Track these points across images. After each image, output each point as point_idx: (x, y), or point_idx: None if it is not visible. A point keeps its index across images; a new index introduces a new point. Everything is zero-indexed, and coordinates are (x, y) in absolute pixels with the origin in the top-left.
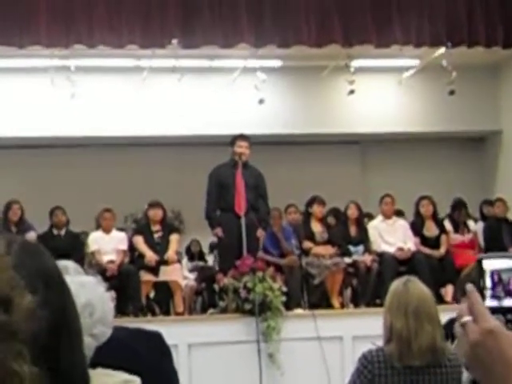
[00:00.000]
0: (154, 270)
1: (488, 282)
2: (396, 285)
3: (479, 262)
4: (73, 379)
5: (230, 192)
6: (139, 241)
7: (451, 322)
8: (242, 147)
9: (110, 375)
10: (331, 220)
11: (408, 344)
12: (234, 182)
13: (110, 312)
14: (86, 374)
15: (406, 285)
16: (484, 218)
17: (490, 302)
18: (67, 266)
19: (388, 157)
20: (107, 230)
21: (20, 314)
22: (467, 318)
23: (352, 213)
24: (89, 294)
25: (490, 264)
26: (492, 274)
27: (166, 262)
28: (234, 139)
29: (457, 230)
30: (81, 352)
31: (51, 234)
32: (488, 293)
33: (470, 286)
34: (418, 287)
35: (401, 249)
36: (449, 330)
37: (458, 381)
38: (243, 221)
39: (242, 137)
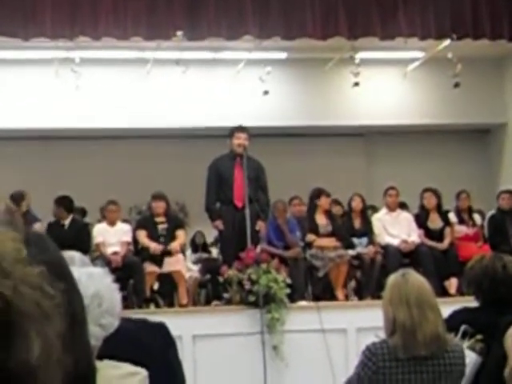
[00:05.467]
0: (158, 262)
1: None
2: (394, 277)
3: None
4: (79, 370)
5: (229, 184)
6: (141, 235)
7: (454, 314)
8: (240, 139)
9: (116, 367)
10: (336, 210)
11: (413, 334)
12: (233, 174)
13: (117, 303)
14: (93, 366)
15: (404, 277)
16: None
17: None
18: (73, 257)
19: (392, 149)
20: (112, 222)
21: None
22: None
23: (356, 205)
24: (97, 284)
25: None
26: None
27: (169, 253)
28: (233, 131)
29: (462, 222)
30: (87, 343)
31: (57, 224)
32: None
33: None
34: (417, 278)
35: (405, 241)
36: (452, 322)
37: (462, 372)
38: (247, 212)
39: (241, 128)
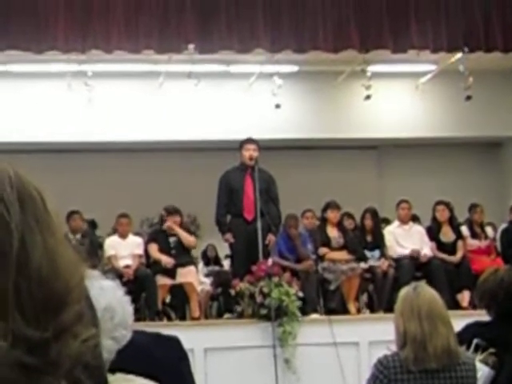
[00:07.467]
0: (171, 274)
1: None
2: (406, 290)
3: None
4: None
5: (238, 197)
6: (153, 248)
7: (467, 327)
8: (249, 150)
9: (129, 380)
10: (348, 223)
11: (423, 347)
12: (242, 187)
13: (129, 315)
14: (105, 379)
15: (416, 290)
16: None
17: None
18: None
19: (404, 162)
20: (124, 236)
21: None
22: None
23: (368, 223)
24: (109, 297)
25: None
26: None
27: (182, 265)
28: (242, 143)
29: (474, 235)
30: (100, 356)
31: (67, 239)
32: None
33: None
34: (428, 291)
35: (416, 250)
36: (464, 336)
37: None
38: (258, 225)
39: (250, 140)
